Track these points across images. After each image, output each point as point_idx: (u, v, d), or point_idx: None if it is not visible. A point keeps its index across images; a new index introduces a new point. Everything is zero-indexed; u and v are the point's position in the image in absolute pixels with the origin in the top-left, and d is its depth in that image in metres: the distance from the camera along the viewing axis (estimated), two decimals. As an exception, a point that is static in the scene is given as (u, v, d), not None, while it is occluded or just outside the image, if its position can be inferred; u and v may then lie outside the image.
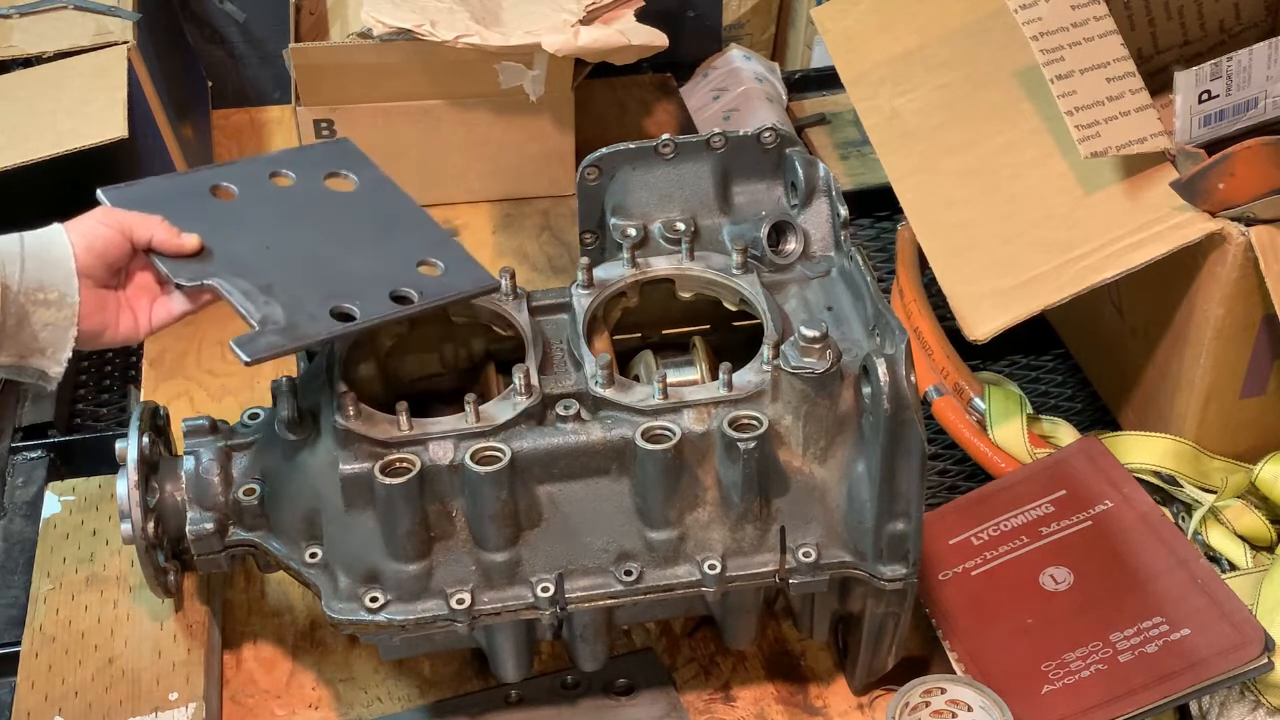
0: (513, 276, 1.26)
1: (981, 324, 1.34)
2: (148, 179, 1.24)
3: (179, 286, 1.15)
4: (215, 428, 1.26)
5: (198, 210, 1.19)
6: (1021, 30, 1.33)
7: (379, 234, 1.20)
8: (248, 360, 1.07)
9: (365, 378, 1.25)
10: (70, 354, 1.13)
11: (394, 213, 1.23)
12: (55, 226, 1.15)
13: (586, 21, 1.70)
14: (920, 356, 1.52)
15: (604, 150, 1.31)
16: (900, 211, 1.49)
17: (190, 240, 1.16)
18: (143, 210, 1.17)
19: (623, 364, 1.29)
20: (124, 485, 1.21)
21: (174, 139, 1.67)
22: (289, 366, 1.27)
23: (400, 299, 1.14)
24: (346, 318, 1.12)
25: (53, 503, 1.43)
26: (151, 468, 1.24)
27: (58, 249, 1.13)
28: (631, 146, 1.31)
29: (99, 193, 1.20)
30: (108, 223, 1.15)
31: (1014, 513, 1.37)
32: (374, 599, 1.15)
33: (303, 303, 1.12)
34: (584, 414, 1.17)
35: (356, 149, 1.29)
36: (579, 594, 1.17)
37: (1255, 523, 1.35)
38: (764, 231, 1.29)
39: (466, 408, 1.15)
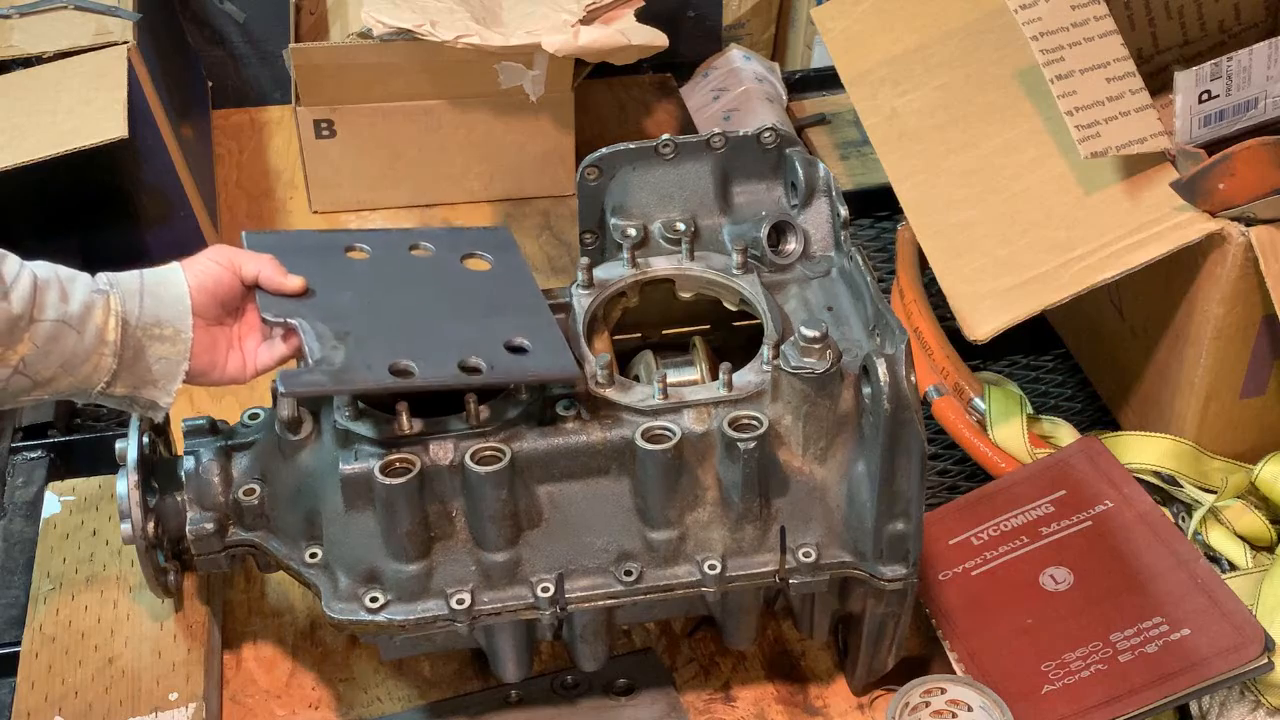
0: (513, 276, 1.26)
1: (981, 324, 1.34)
2: (293, 230, 1.30)
3: (265, 321, 1.17)
4: (215, 428, 1.26)
5: (321, 263, 1.22)
6: (1021, 30, 1.33)
7: (485, 309, 1.22)
8: (283, 391, 1.10)
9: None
10: (179, 385, 1.16)
11: (512, 294, 1.24)
12: (173, 265, 1.17)
13: (586, 21, 1.70)
14: (920, 356, 1.52)
15: (604, 150, 1.31)
16: (900, 211, 1.49)
17: (294, 281, 1.18)
18: (279, 252, 1.20)
19: (623, 364, 1.29)
20: (124, 485, 1.21)
21: (174, 139, 1.67)
22: (289, 366, 1.27)
23: (468, 369, 1.14)
24: (404, 374, 1.12)
25: (53, 503, 1.43)
26: (151, 468, 1.24)
27: (174, 286, 1.16)
28: (631, 146, 1.31)
29: (243, 234, 1.24)
30: (220, 260, 1.18)
31: (1014, 513, 1.37)
32: (374, 599, 1.15)
33: (369, 354, 1.13)
34: (584, 414, 1.17)
35: (510, 238, 1.32)
36: (579, 594, 1.17)
37: (1255, 523, 1.35)
38: (764, 231, 1.29)
39: (467, 408, 1.15)
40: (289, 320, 1.16)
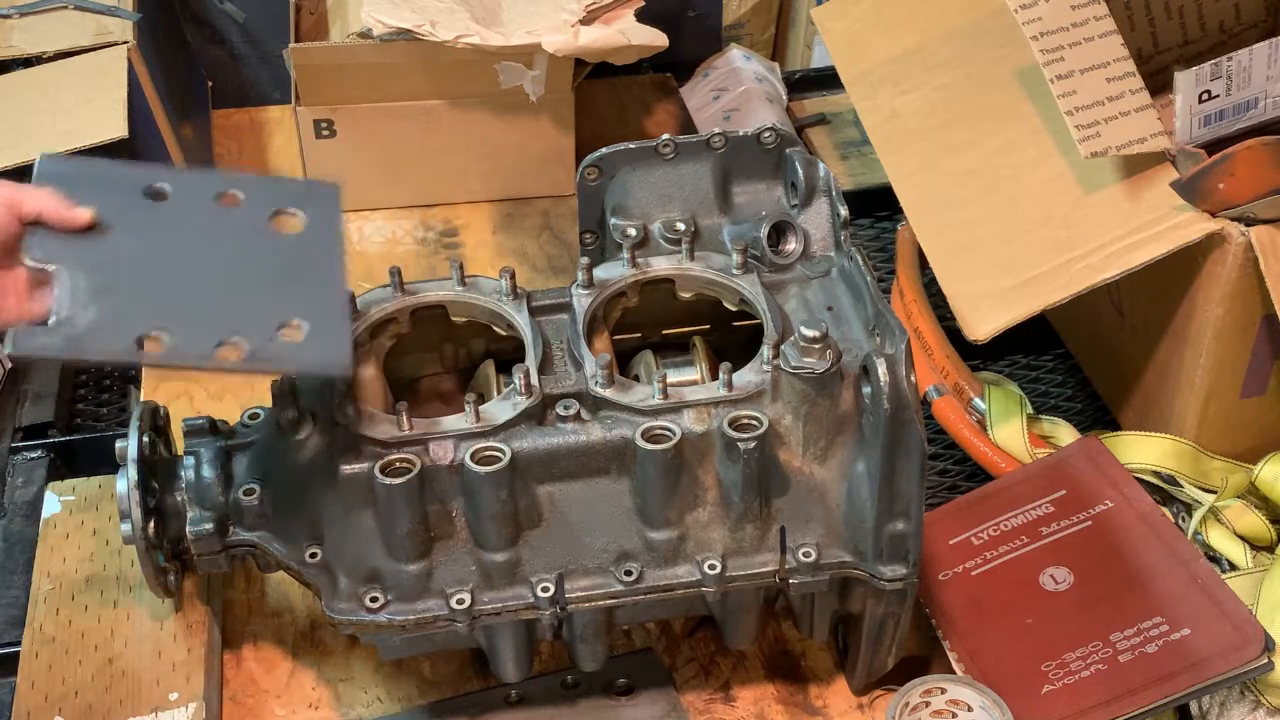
0: (513, 276, 1.26)
1: (981, 324, 1.34)
2: (94, 159, 1.17)
3: (24, 265, 1.08)
4: (215, 428, 1.25)
5: (115, 200, 1.12)
6: (1021, 30, 1.33)
7: (274, 279, 1.13)
8: (10, 351, 1.04)
9: (365, 378, 1.25)
10: None
11: (311, 264, 1.15)
12: None
13: (586, 21, 1.70)
14: (920, 356, 1.52)
15: (604, 150, 1.31)
16: (900, 211, 1.49)
17: (81, 215, 1.08)
18: (69, 185, 1.10)
19: (623, 364, 1.29)
20: (124, 485, 1.21)
21: (174, 139, 1.67)
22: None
23: (227, 349, 1.07)
24: (152, 347, 1.05)
25: (53, 503, 1.43)
26: (151, 468, 1.24)
27: None
28: (631, 146, 1.31)
29: (38, 157, 1.15)
30: None
31: (1014, 513, 1.37)
32: (374, 599, 1.15)
33: (121, 317, 1.05)
34: (584, 414, 1.17)
35: (335, 196, 1.20)
36: (579, 594, 1.17)
37: (1255, 523, 1.35)
38: (764, 231, 1.29)
39: (466, 408, 1.15)
40: (47, 266, 1.06)
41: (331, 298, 1.13)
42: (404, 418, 1.14)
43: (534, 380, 1.17)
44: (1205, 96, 1.36)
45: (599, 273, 1.27)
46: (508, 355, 1.27)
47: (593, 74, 1.89)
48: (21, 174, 1.47)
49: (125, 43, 1.61)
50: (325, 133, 1.79)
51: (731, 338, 1.33)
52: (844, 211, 1.28)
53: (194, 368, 1.08)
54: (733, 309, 1.28)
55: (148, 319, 1.06)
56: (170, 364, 1.07)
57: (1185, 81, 1.35)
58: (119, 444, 1.23)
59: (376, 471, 1.12)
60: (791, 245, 1.30)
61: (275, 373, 1.11)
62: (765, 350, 1.18)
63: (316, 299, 1.12)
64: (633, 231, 1.31)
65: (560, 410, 1.17)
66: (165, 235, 1.12)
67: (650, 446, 1.13)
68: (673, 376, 1.22)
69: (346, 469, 1.14)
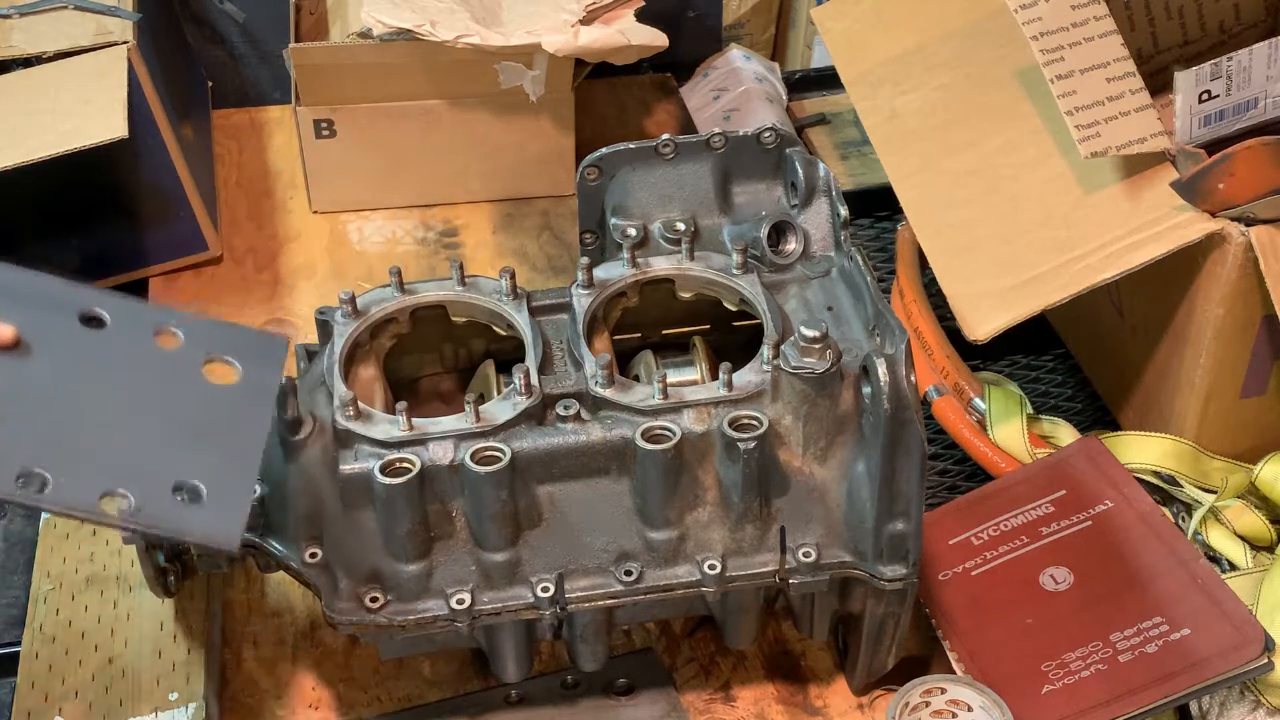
0: (513, 276, 1.26)
1: (981, 324, 1.34)
2: (36, 273, 1.09)
3: None
4: (215, 428, 1.25)
5: (44, 321, 1.05)
6: (1021, 30, 1.33)
7: (188, 435, 1.05)
8: None
9: (365, 378, 1.25)
10: None
11: (232, 422, 1.08)
12: None
13: (586, 21, 1.70)
14: (920, 356, 1.52)
15: (604, 150, 1.31)
16: (900, 211, 1.49)
17: (3, 331, 1.02)
18: (4, 295, 1.05)
19: (623, 364, 1.29)
20: (124, 485, 1.20)
21: (174, 139, 1.66)
22: (289, 367, 1.27)
23: (107, 500, 0.99)
24: (32, 487, 0.98)
25: (53, 503, 1.43)
26: (151, 468, 1.23)
27: None
28: (631, 146, 1.31)
29: None
30: None
31: (1014, 513, 1.37)
32: (374, 599, 1.15)
33: (11, 449, 0.98)
34: (584, 414, 1.17)
35: (281, 354, 1.13)
36: (579, 594, 1.17)
37: (1255, 523, 1.35)
38: (764, 231, 1.29)
39: (466, 408, 1.15)
40: None
41: (241, 466, 1.06)
42: (404, 418, 1.14)
43: (534, 380, 1.17)
44: (1205, 96, 1.36)
45: (599, 273, 1.27)
46: (508, 355, 1.27)
47: (593, 74, 1.89)
48: (21, 173, 1.47)
49: (125, 43, 1.61)
50: (325, 133, 1.79)
51: (731, 338, 1.33)
52: (844, 211, 1.28)
53: (72, 516, 1.00)
54: (733, 309, 1.28)
55: (36, 455, 0.99)
56: (48, 508, 0.99)
57: (1185, 81, 1.35)
58: (119, 444, 1.22)
59: (376, 471, 1.12)
60: (791, 245, 1.30)
61: (158, 534, 1.03)
62: (765, 350, 1.18)
63: (225, 464, 1.05)
64: (633, 231, 1.31)
65: (560, 410, 1.17)
66: (87, 367, 1.06)
67: (650, 446, 1.13)
68: (673, 376, 1.22)
69: (346, 469, 1.14)
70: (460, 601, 1.15)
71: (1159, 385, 1.44)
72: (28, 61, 1.61)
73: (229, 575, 1.38)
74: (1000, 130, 1.45)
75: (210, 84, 2.03)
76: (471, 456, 1.13)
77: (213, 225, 1.76)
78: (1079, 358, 1.65)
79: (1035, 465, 1.41)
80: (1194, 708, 1.25)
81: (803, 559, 1.17)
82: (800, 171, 1.29)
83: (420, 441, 1.14)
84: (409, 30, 1.68)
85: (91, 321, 1.08)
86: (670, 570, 1.18)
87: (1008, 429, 1.44)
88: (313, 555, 1.18)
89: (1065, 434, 1.45)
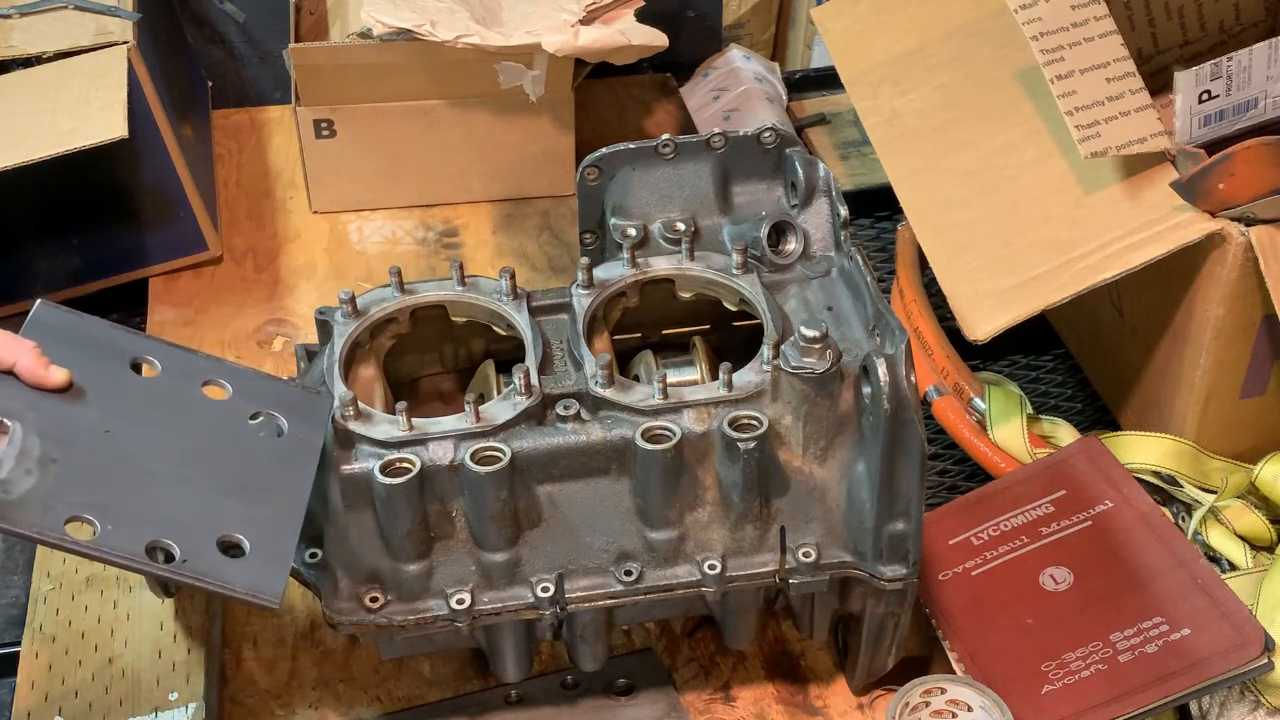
0: (513, 276, 1.26)
1: (981, 324, 1.34)
2: (92, 318, 1.13)
3: None
4: (215, 428, 1.26)
5: (95, 366, 1.09)
6: (1021, 30, 1.33)
7: (232, 485, 1.08)
8: None
9: (365, 378, 1.25)
10: None
11: (277, 477, 1.10)
12: None
13: (586, 21, 1.70)
14: (920, 356, 1.52)
15: (604, 150, 1.31)
16: (900, 211, 1.49)
17: (57, 376, 1.05)
18: (58, 338, 1.08)
19: (623, 364, 1.29)
20: (124, 486, 1.20)
21: (174, 139, 1.67)
22: (290, 367, 1.27)
23: (153, 551, 1.01)
24: (80, 533, 1.00)
25: (53, 503, 1.43)
26: (151, 468, 1.24)
27: None
28: (631, 146, 1.31)
29: (37, 304, 1.12)
30: None
31: (1014, 513, 1.37)
32: (374, 599, 1.15)
33: (59, 494, 1.00)
34: (584, 414, 1.17)
35: (325, 411, 1.15)
36: (579, 594, 1.17)
37: (1255, 523, 1.35)
38: (764, 231, 1.29)
39: (466, 408, 1.15)
40: (5, 420, 1.02)
41: (285, 521, 1.08)
42: (404, 418, 1.14)
43: (534, 380, 1.17)
44: (1205, 96, 1.36)
45: (599, 273, 1.27)
46: (508, 355, 1.27)
47: (593, 74, 1.89)
48: (21, 173, 1.47)
49: (125, 43, 1.61)
50: (325, 133, 1.79)
51: (731, 338, 1.33)
52: (844, 211, 1.28)
53: (117, 564, 1.01)
54: (733, 309, 1.28)
55: (85, 501, 1.01)
56: (93, 556, 1.00)
57: (1185, 81, 1.35)
58: (119, 444, 1.22)
59: (376, 471, 1.12)
60: (791, 245, 1.30)
61: (201, 588, 1.03)
62: (765, 350, 1.18)
63: (270, 519, 1.07)
64: (633, 231, 1.31)
65: (560, 410, 1.17)
66: (136, 414, 1.08)
67: (650, 446, 1.13)
68: (673, 376, 1.22)
69: (346, 469, 1.14)
70: (460, 601, 1.15)
71: (1159, 385, 1.44)
72: (28, 61, 1.61)
73: (229, 575, 1.38)
74: (1000, 130, 1.45)
75: (210, 84, 2.03)
76: (471, 456, 1.13)
77: (213, 225, 1.76)
78: (1079, 358, 1.65)
79: (1035, 465, 1.41)
80: (1194, 708, 1.25)
81: (803, 559, 1.17)
82: (800, 171, 1.29)
83: (420, 441, 1.14)
84: (409, 30, 1.68)
85: (142, 369, 1.10)
86: (670, 570, 1.18)
87: (1008, 429, 1.44)
88: (313, 555, 1.18)
89: (1065, 434, 1.45)
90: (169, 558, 1.01)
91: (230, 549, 1.04)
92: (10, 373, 1.06)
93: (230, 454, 1.10)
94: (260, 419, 1.13)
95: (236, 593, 1.03)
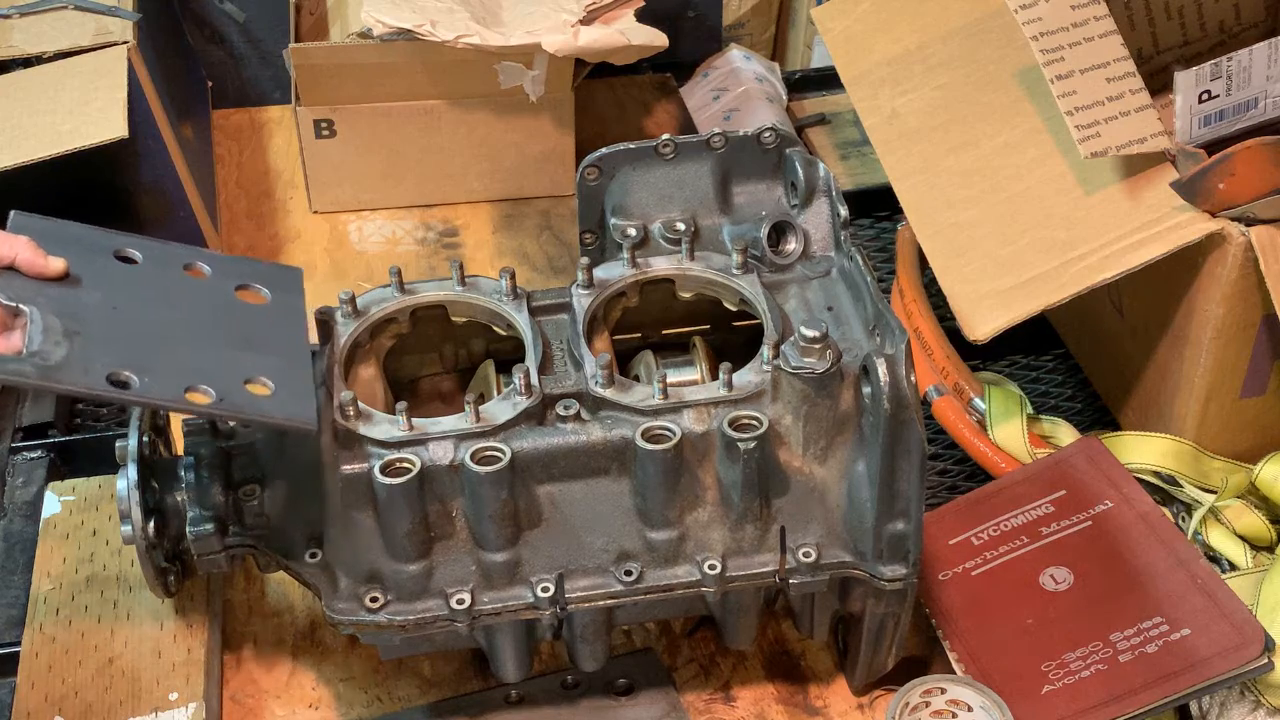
0: (513, 276, 1.26)
1: (981, 324, 1.34)
2: (65, 221, 1.19)
3: None
4: (215, 428, 1.25)
5: (84, 259, 1.14)
6: (1021, 30, 1.33)
7: (239, 343, 1.15)
8: None
9: (365, 378, 1.25)
10: None
11: (275, 334, 1.18)
12: None
13: (586, 21, 1.70)
14: (920, 356, 1.53)
15: (604, 150, 1.31)
16: (900, 211, 1.49)
17: (55, 264, 1.11)
18: (41, 239, 1.13)
19: (623, 364, 1.29)
20: (124, 485, 1.21)
21: (174, 139, 1.67)
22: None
23: (195, 395, 1.08)
24: (122, 385, 1.06)
25: (53, 503, 1.43)
26: (151, 468, 1.24)
27: None
28: (631, 146, 1.31)
29: (11, 214, 1.17)
30: None
31: (1014, 513, 1.37)
32: (374, 599, 1.15)
33: (91, 357, 1.06)
34: (584, 414, 1.17)
35: (299, 280, 1.24)
36: (579, 594, 1.17)
37: (1255, 523, 1.35)
38: (764, 231, 1.29)
39: (466, 408, 1.15)
40: (20, 305, 1.08)
41: (298, 362, 1.15)
42: (404, 418, 1.14)
43: (534, 380, 1.17)
44: (1205, 96, 1.36)
45: (599, 273, 1.27)
46: (508, 355, 1.27)
47: (593, 74, 1.89)
48: (21, 173, 1.47)
49: (125, 43, 1.61)
50: (325, 133, 1.79)
51: (731, 338, 1.33)
52: (844, 211, 1.28)
53: (162, 408, 1.10)
54: (733, 309, 1.28)
55: (117, 360, 1.07)
56: (139, 402, 1.08)
57: (1185, 81, 1.35)
58: (119, 444, 1.23)
59: (376, 471, 1.12)
60: (791, 245, 1.30)
61: (242, 420, 1.12)
62: (765, 350, 1.18)
63: (282, 362, 1.14)
64: (633, 231, 1.31)
65: (560, 410, 1.17)
66: (133, 295, 1.14)
67: (650, 446, 1.13)
68: (673, 376, 1.22)
69: (346, 469, 1.14)
70: (460, 601, 1.15)
71: (1159, 385, 1.44)
72: (28, 61, 1.61)
73: (229, 575, 1.38)
74: (1000, 130, 1.45)
75: (210, 84, 2.03)
76: (471, 456, 1.13)
77: (213, 225, 1.76)
78: (1079, 358, 1.65)
79: (1035, 465, 1.41)
80: (1194, 708, 1.25)
81: (803, 559, 1.17)
82: (800, 171, 1.29)
83: (420, 441, 1.14)
84: (409, 30, 1.68)
85: (126, 259, 1.17)
86: (670, 570, 1.18)
87: (1008, 429, 1.44)
88: (313, 555, 1.18)
89: (1065, 434, 1.45)
90: (207, 399, 1.08)
91: (257, 388, 1.11)
92: (11, 268, 1.10)
93: (227, 319, 1.17)
94: (242, 289, 1.20)
95: (277, 420, 1.10)
